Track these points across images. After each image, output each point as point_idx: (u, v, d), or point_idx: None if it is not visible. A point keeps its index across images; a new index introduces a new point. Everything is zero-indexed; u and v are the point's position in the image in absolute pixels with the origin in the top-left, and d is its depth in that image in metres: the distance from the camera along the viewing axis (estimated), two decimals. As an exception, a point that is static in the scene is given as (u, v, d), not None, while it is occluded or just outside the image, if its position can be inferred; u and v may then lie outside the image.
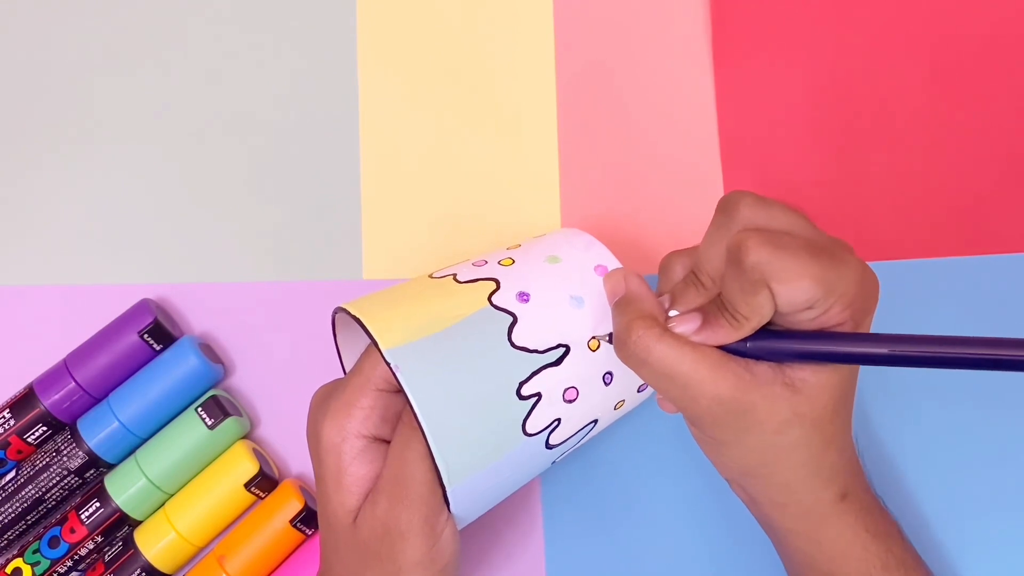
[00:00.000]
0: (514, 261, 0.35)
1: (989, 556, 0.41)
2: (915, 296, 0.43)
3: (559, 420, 0.34)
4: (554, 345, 0.33)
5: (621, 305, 0.33)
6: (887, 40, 0.46)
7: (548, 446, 0.34)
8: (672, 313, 0.32)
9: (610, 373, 0.35)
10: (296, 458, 0.44)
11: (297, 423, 0.43)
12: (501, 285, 0.34)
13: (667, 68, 0.47)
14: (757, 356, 0.31)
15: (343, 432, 0.33)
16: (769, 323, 0.31)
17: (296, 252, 0.46)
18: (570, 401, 0.34)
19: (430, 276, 0.36)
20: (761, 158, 0.46)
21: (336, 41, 0.47)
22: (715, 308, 0.31)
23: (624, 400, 0.36)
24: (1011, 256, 0.44)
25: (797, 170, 0.45)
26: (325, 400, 0.34)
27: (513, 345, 0.33)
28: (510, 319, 0.33)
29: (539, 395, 0.33)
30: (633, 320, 0.31)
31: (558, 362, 0.33)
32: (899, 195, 0.45)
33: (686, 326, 0.31)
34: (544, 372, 0.33)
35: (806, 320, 0.30)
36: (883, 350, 0.30)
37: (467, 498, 0.33)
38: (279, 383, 0.44)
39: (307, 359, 0.44)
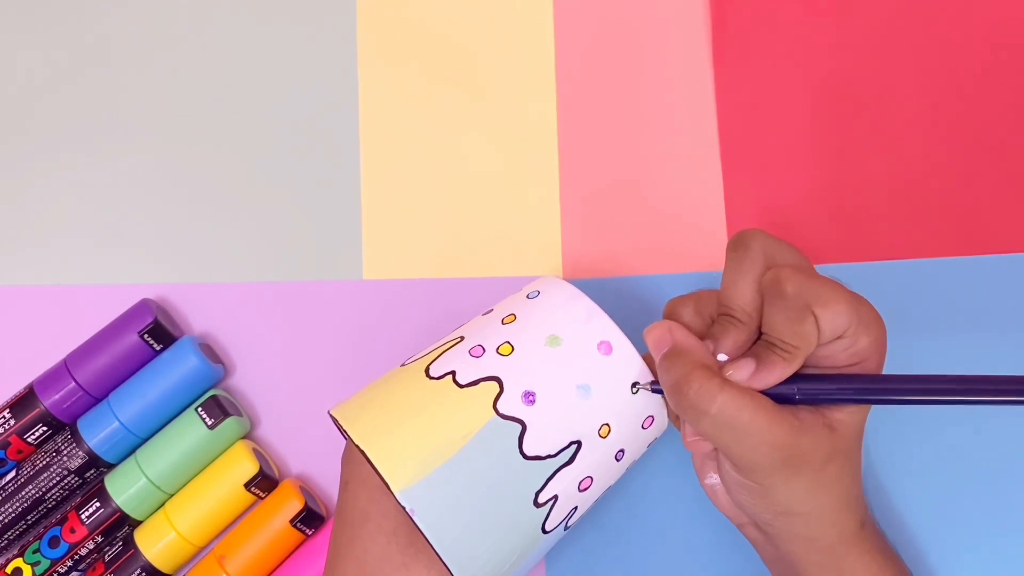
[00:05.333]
0: (513, 348, 0.34)
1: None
2: (915, 296, 0.43)
3: (576, 508, 0.34)
4: (566, 445, 0.33)
5: (671, 357, 0.32)
6: (887, 40, 0.46)
7: (566, 528, 0.35)
8: (721, 357, 0.32)
9: (622, 450, 0.34)
10: (296, 458, 0.44)
11: (297, 423, 0.44)
12: (504, 386, 0.33)
13: (667, 68, 0.47)
14: (804, 402, 0.32)
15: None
16: (803, 366, 0.32)
17: (296, 252, 0.46)
18: (585, 489, 0.34)
19: (426, 371, 0.34)
20: (761, 158, 0.46)
21: (336, 41, 0.47)
22: (763, 348, 0.31)
23: (635, 460, 0.36)
24: (1011, 256, 0.44)
25: (797, 170, 0.45)
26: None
27: (525, 456, 0.32)
28: (519, 428, 0.32)
29: (555, 497, 0.33)
30: (691, 371, 0.31)
31: (571, 460, 0.33)
32: (899, 195, 0.45)
33: (742, 372, 0.31)
34: (558, 474, 0.33)
35: (839, 351, 0.31)
36: (946, 390, 0.30)
37: None
38: (279, 383, 0.44)
39: (307, 359, 0.44)
